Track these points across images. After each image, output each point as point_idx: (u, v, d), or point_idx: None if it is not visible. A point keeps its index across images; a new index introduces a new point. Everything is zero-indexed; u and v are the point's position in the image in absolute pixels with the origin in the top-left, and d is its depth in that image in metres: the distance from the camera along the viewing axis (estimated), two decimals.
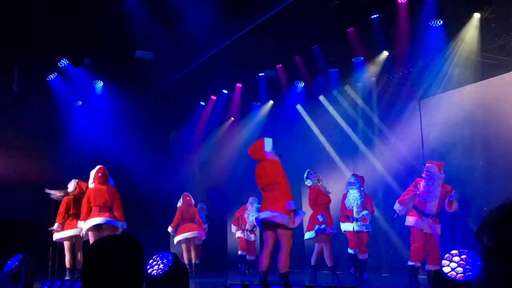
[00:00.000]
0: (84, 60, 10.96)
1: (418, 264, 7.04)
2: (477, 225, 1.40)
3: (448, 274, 4.51)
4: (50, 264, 9.75)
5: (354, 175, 8.71)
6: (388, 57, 10.76)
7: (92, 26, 9.70)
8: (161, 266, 5.03)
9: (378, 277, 9.59)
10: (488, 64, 10.04)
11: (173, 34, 9.79)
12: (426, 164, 7.31)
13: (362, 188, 8.45)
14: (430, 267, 6.94)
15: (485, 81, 10.13)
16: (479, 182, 9.78)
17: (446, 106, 10.69)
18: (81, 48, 10.66)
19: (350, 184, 8.48)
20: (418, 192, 7.17)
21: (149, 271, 5.03)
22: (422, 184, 7.16)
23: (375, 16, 9.28)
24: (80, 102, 12.57)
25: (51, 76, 11.50)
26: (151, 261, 5.15)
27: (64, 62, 11.09)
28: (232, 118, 14.58)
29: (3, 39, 9.93)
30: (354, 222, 8.30)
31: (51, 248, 9.78)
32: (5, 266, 6.93)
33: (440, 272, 4.61)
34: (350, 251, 8.45)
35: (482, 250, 1.35)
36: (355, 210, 8.28)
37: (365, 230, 8.33)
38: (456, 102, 10.52)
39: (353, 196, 8.33)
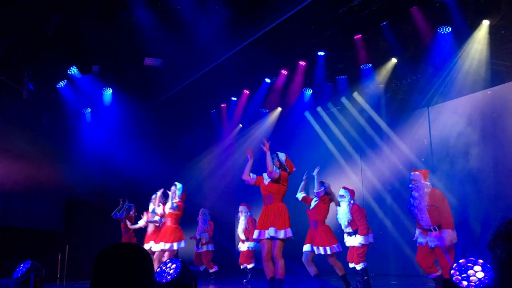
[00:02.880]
0: (92, 67, 10.99)
1: (431, 276, 6.68)
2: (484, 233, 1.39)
3: (457, 282, 4.46)
4: (59, 271, 9.75)
5: (344, 188, 8.32)
6: (396, 64, 10.75)
7: (101, 34, 9.75)
8: (170, 272, 5.02)
9: (386, 285, 9.51)
10: (497, 71, 9.98)
11: (182, 41, 9.83)
12: (411, 173, 6.89)
13: (352, 201, 8.09)
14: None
15: (494, 87, 10.07)
16: (489, 189, 9.71)
17: (455, 113, 10.64)
18: (90, 56, 10.70)
19: (340, 197, 8.14)
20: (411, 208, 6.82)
21: (158, 278, 5.03)
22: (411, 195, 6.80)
23: (384, 23, 9.27)
24: (89, 109, 12.64)
25: (61, 83, 11.56)
26: (159, 268, 5.15)
27: (74, 70, 11.14)
28: (241, 125, 14.59)
29: (13, 46, 10.01)
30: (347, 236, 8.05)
31: (59, 255, 9.79)
32: (14, 273, 6.97)
33: (449, 281, 4.56)
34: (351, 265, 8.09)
35: (495, 261, 1.35)
36: (343, 225, 8.04)
37: (357, 245, 7.92)
38: (465, 109, 10.46)
39: (343, 210, 8.02)
